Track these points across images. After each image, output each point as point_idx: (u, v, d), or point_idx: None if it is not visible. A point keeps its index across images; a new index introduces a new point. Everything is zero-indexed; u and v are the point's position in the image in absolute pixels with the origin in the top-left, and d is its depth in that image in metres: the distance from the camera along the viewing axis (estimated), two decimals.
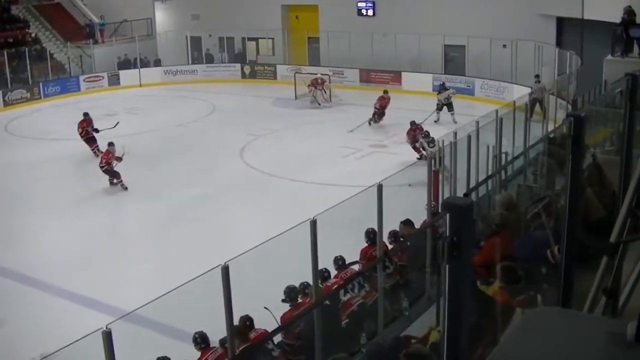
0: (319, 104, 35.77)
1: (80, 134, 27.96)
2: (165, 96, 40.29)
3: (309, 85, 36.50)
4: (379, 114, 30.60)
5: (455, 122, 29.84)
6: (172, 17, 48.43)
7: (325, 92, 36.17)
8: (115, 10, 47.08)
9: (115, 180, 23.31)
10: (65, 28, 46.93)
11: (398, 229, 13.68)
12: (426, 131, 24.34)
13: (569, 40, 32.40)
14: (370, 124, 30.46)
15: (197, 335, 10.98)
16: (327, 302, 11.11)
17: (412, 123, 25.34)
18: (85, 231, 20.00)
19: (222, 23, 44.62)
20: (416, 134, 24.59)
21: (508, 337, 2.85)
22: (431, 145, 22.16)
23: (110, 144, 23.88)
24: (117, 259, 18.11)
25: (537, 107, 25.05)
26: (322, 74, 37.24)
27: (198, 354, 10.86)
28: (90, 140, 27.89)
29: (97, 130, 27.81)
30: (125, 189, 23.18)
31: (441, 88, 32.83)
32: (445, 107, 31.62)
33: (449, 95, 31.85)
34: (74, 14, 48.73)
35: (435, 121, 30.84)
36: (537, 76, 30.25)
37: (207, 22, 45.80)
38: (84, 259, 18.10)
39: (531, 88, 28.79)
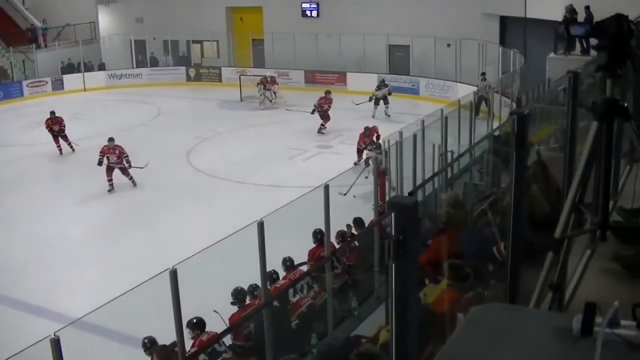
0: (270, 101, 35.75)
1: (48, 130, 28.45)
2: (110, 100, 39.97)
3: (257, 84, 36.45)
4: (322, 115, 30.39)
5: (389, 115, 31.63)
6: (115, 20, 48.09)
7: (274, 92, 36.17)
8: (57, 14, 46.60)
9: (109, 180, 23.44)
10: (7, 32, 46.33)
11: (346, 229, 13.73)
12: (377, 142, 23.45)
13: (513, 39, 32.70)
14: (321, 132, 30.28)
15: (146, 340, 10.90)
16: (276, 303, 11.11)
17: (366, 128, 24.98)
18: (29, 237, 19.76)
19: (166, 26, 44.38)
20: (366, 140, 24.35)
21: (455, 335, 2.86)
22: (377, 151, 21.91)
23: (110, 140, 24.14)
24: (62, 265, 17.93)
25: (483, 105, 25.30)
26: (271, 75, 37.18)
27: (147, 359, 10.78)
28: (55, 137, 28.45)
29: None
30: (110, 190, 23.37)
31: (381, 85, 33.48)
32: (380, 101, 32.45)
33: (387, 93, 32.41)
34: (16, 18, 48.16)
35: (372, 116, 31.37)
36: (483, 74, 30.61)
37: (151, 25, 45.52)
38: (28, 265, 17.89)
39: (477, 86, 29.07)
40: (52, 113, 28.79)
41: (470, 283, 8.51)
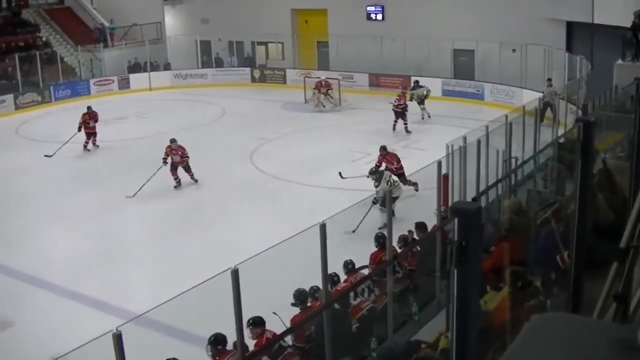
0: (324, 106, 35.75)
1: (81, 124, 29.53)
2: (174, 100, 40.32)
3: (313, 89, 36.52)
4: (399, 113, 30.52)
5: (429, 116, 32.55)
6: (181, 21, 48.52)
7: (331, 97, 36.13)
8: (125, 14, 47.15)
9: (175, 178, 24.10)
10: (76, 32, 47.00)
11: (407, 233, 13.69)
12: (387, 173, 20.50)
13: (579, 45, 32.34)
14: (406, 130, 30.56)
15: (213, 338, 10.81)
16: (336, 305, 11.11)
17: (383, 148, 22.68)
18: (95, 234, 20.03)
19: (231, 27, 44.64)
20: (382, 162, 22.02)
21: (516, 343, 2.84)
22: (376, 184, 19.47)
23: (173, 141, 24.62)
24: (127, 262, 18.15)
25: (548, 112, 25.07)
26: (326, 78, 37.06)
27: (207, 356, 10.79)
28: (89, 134, 29.74)
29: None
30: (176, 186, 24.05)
31: (415, 85, 34.30)
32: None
33: (424, 92, 33.05)
34: (84, 17, 48.84)
35: (422, 118, 32.41)
36: (549, 80, 30.26)
37: (216, 26, 45.82)
38: (94, 262, 18.13)
39: (543, 92, 28.78)
40: (89, 108, 30.24)
41: (532, 291, 8.44)
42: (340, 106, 36.00)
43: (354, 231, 17.29)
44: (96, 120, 29.93)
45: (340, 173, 20.70)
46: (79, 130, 29.45)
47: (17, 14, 46.13)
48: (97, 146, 29.87)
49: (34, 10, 47.42)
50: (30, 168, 27.05)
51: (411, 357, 7.82)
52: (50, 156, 27.60)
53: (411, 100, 32.30)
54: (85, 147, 29.56)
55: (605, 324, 3.90)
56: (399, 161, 21.72)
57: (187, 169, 24.19)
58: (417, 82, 35.13)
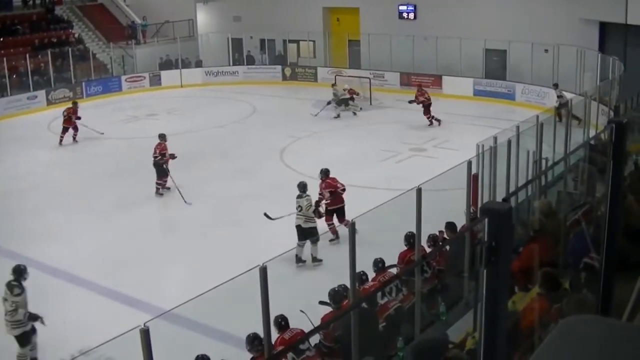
0: (354, 114, 35.67)
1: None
2: (206, 97, 40.46)
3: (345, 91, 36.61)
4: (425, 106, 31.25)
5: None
6: (213, 18, 48.67)
7: (355, 104, 36.17)
8: (157, 12, 47.44)
9: (158, 181, 23.09)
10: (108, 28, 47.30)
11: (437, 233, 13.66)
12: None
13: (612, 46, 32.12)
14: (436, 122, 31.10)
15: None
16: (364, 304, 11.10)
17: (324, 172, 20.39)
18: (126, 230, 20.14)
19: (263, 25, 44.73)
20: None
21: (545, 344, 2.83)
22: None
23: (162, 136, 23.81)
24: (156, 259, 18.21)
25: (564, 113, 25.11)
26: (350, 88, 37.02)
27: (234, 355, 10.81)
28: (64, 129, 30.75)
29: (79, 118, 30.91)
30: (160, 194, 23.10)
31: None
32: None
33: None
34: (117, 14, 49.15)
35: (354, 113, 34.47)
36: (555, 85, 31.74)
37: (248, 24, 45.95)
38: (123, 258, 18.22)
39: (559, 96, 29.21)
40: (75, 104, 31.68)
41: (562, 293, 8.40)
42: (371, 105, 35.95)
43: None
44: (77, 117, 30.87)
45: (266, 214, 19.21)
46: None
47: (50, 10, 46.50)
48: (76, 141, 30.90)
49: (67, 7, 47.79)
50: (62, 163, 27.24)
51: (441, 354, 7.81)
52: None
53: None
54: (61, 141, 30.66)
55: (635, 327, 3.87)
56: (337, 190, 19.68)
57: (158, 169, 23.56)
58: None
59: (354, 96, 35.24)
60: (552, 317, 7.70)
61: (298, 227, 17.42)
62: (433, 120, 30.98)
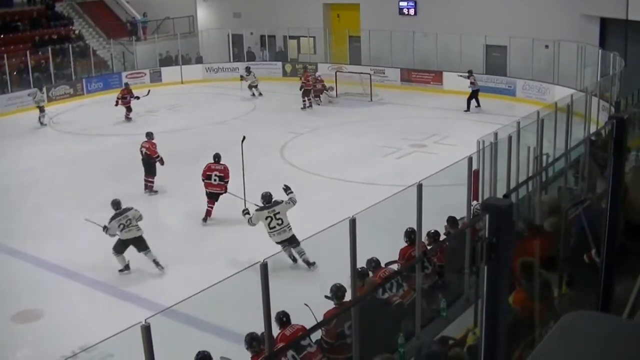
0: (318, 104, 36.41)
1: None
2: (206, 93, 40.49)
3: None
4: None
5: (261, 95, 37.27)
6: (214, 14, 48.70)
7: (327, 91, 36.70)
8: (157, 8, 47.52)
9: (146, 178, 23.36)
10: (108, 25, 47.34)
11: (437, 229, 13.64)
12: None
13: (613, 42, 32.09)
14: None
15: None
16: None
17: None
18: None
19: (263, 21, 44.79)
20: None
21: (545, 341, 2.83)
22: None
23: (149, 135, 24.08)
24: (158, 255, 18.19)
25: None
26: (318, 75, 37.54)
27: (234, 351, 10.81)
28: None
29: (137, 98, 33.01)
30: (155, 192, 23.33)
31: (247, 72, 39.25)
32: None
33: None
34: (117, 11, 49.22)
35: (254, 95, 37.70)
36: (469, 71, 33.87)
37: (248, 20, 45.98)
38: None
39: (472, 83, 32.91)
40: (127, 84, 33.93)
41: (543, 286, 8.41)
42: (371, 101, 35.94)
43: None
44: (135, 96, 33.10)
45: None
46: (116, 104, 33.35)
47: (51, 7, 46.51)
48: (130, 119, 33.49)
49: (67, 3, 47.80)
50: (62, 160, 27.24)
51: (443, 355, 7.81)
52: None
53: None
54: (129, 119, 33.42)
55: (636, 323, 3.87)
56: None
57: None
58: (248, 68, 40.32)
59: (325, 90, 35.94)
60: (552, 313, 7.71)
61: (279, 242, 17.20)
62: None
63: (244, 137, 19.81)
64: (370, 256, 12.64)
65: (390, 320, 11.26)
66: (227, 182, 21.20)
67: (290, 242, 16.74)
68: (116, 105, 33.08)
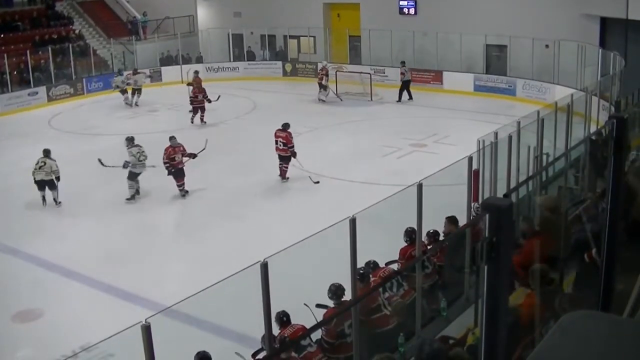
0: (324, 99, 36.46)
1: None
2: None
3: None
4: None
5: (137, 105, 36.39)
6: (214, 14, 48.69)
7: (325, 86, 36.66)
8: (157, 7, 47.53)
9: (177, 183, 22.35)
10: (108, 25, 47.36)
11: (437, 229, 13.63)
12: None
13: (613, 41, 32.09)
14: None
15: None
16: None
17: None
18: (125, 226, 20.15)
19: (263, 21, 44.80)
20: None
21: (546, 340, 2.83)
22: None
23: (172, 138, 22.60)
24: (156, 255, 18.22)
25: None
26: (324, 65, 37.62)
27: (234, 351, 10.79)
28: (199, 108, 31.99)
29: (209, 101, 31.89)
30: (185, 193, 22.38)
31: (135, 71, 38.50)
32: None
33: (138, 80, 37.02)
34: (117, 10, 49.24)
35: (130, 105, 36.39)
36: (402, 62, 36.37)
37: (248, 20, 45.98)
38: (123, 254, 18.22)
39: (402, 73, 34.31)
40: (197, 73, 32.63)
41: (554, 288, 8.41)
42: (371, 101, 35.94)
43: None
44: (205, 96, 31.88)
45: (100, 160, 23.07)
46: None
47: (51, 6, 46.53)
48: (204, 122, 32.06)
49: (67, 3, 47.79)
50: (62, 159, 27.20)
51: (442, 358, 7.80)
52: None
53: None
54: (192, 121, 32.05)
55: (637, 323, 3.87)
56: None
57: (181, 175, 22.45)
58: (136, 70, 39.30)
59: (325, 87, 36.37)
60: (541, 312, 7.71)
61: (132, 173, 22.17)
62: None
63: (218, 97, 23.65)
64: (371, 256, 12.63)
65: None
66: (290, 147, 23.20)
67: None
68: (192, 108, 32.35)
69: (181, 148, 22.50)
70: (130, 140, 22.96)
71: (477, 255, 3.58)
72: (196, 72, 31.31)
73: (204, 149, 22.96)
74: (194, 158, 22.64)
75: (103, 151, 27.69)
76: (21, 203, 22.40)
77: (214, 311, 12.40)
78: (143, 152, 22.49)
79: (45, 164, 22.03)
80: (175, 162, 22.17)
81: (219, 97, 32.19)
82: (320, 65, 38.17)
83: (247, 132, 30.37)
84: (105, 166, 22.50)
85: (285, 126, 23.64)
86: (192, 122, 31.65)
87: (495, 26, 36.24)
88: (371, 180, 22.47)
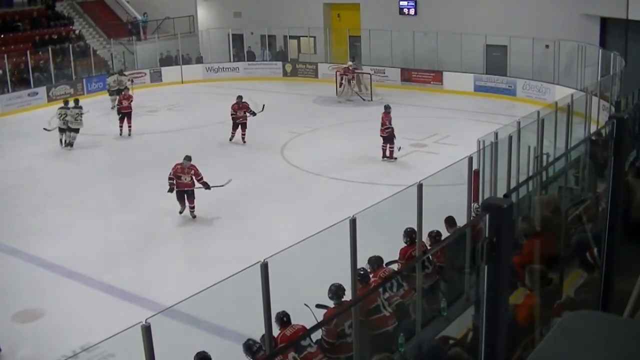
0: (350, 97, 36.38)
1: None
2: (206, 93, 40.44)
3: (341, 75, 36.97)
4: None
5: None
6: (214, 14, 48.68)
7: (354, 85, 36.65)
8: (157, 8, 47.53)
9: (187, 205, 20.80)
10: (109, 25, 47.37)
11: (437, 229, 13.62)
12: None
13: (613, 41, 32.09)
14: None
15: (250, 342, 10.62)
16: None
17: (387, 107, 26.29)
18: (125, 226, 20.13)
19: (263, 21, 44.81)
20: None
21: (546, 340, 2.82)
22: None
23: (187, 158, 20.94)
24: (156, 255, 18.21)
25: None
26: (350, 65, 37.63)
27: (234, 351, 10.78)
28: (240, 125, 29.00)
29: (254, 114, 28.96)
30: (194, 217, 20.78)
31: (121, 71, 38.85)
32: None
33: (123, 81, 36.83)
34: (117, 11, 49.24)
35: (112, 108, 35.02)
36: (353, 57, 38.55)
37: (249, 20, 45.99)
38: (123, 254, 18.22)
39: (354, 69, 34.87)
40: (240, 97, 29.72)
41: (552, 289, 8.41)
42: (371, 100, 35.93)
43: None
44: (246, 111, 29.09)
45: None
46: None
47: (51, 7, 46.53)
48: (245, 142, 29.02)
49: (67, 3, 47.77)
50: (62, 160, 27.24)
51: (441, 356, 7.79)
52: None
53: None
54: (231, 138, 29.25)
55: (637, 323, 3.87)
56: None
57: (191, 196, 20.88)
58: (121, 71, 39.48)
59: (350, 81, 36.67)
60: (551, 312, 7.71)
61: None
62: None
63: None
64: (370, 256, 12.62)
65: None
66: (387, 128, 25.52)
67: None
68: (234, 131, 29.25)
69: (193, 170, 20.77)
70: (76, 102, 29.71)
71: (478, 255, 3.57)
72: (239, 98, 29.23)
73: (222, 185, 21.24)
74: (207, 188, 20.83)
75: (103, 151, 27.74)
76: (21, 203, 22.40)
77: (214, 311, 12.40)
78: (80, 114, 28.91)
79: (65, 114, 28.34)
80: (182, 181, 20.60)
81: (263, 106, 29.57)
82: (349, 65, 38.12)
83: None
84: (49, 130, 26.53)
85: (387, 108, 25.77)
86: (230, 140, 29.16)
87: (495, 26, 36.23)
88: (371, 180, 22.49)
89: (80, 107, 29.31)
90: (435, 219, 13.15)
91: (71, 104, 29.56)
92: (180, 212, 20.79)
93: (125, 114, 30.62)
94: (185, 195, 20.68)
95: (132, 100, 31.16)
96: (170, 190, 20.68)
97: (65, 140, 28.76)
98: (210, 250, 18.30)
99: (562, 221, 9.71)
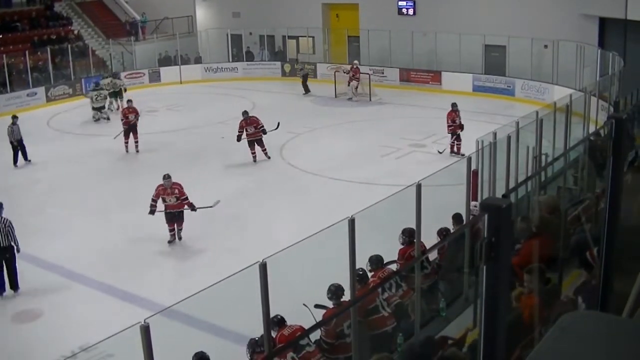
0: (354, 97, 36.28)
1: None
2: (205, 93, 40.45)
3: (347, 72, 37.16)
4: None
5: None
6: (213, 14, 48.69)
7: (358, 84, 36.65)
8: (156, 8, 47.55)
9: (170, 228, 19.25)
10: (107, 25, 47.39)
11: (436, 229, 13.63)
12: None
13: (612, 41, 32.09)
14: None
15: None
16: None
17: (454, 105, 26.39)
18: (125, 226, 20.11)
19: (262, 21, 44.81)
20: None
21: (545, 340, 2.83)
22: None
23: (166, 177, 19.25)
24: (156, 255, 18.22)
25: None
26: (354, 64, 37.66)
27: (233, 352, 10.78)
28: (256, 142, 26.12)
29: (264, 132, 26.09)
30: (179, 238, 19.35)
31: (112, 75, 38.73)
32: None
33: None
34: (116, 11, 49.25)
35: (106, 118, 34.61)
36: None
37: (247, 20, 46.00)
38: (123, 254, 18.22)
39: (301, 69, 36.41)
40: (245, 112, 26.82)
41: (551, 288, 8.41)
42: (370, 101, 35.96)
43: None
44: (256, 126, 26.10)
45: None
46: (238, 140, 25.93)
47: (50, 7, 46.54)
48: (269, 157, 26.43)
49: (66, 3, 47.79)
50: (62, 160, 27.23)
51: (433, 354, 7.80)
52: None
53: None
54: (254, 159, 26.12)
55: (636, 323, 3.87)
56: None
57: (180, 219, 19.36)
58: (115, 74, 39.29)
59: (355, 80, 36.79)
60: (551, 313, 7.71)
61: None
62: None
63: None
64: (369, 256, 12.62)
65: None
66: (450, 126, 25.90)
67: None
68: (238, 140, 26.05)
69: (177, 189, 19.17)
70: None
71: (477, 255, 3.58)
72: (245, 113, 27.10)
73: (210, 206, 19.77)
74: (193, 210, 19.30)
75: (102, 151, 27.74)
76: (21, 203, 22.38)
77: (213, 311, 12.40)
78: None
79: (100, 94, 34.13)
80: (167, 203, 19.11)
81: (278, 124, 27.01)
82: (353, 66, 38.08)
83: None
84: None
85: (454, 106, 26.18)
86: (254, 161, 26.17)
87: (494, 26, 36.24)
88: (370, 181, 22.48)
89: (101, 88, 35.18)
90: (435, 219, 13.16)
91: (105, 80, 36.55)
92: (171, 237, 19.23)
93: (130, 127, 27.84)
94: (176, 217, 19.20)
95: (138, 116, 28.24)
96: (151, 213, 19.12)
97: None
98: (209, 250, 18.30)
99: (561, 221, 9.71)
